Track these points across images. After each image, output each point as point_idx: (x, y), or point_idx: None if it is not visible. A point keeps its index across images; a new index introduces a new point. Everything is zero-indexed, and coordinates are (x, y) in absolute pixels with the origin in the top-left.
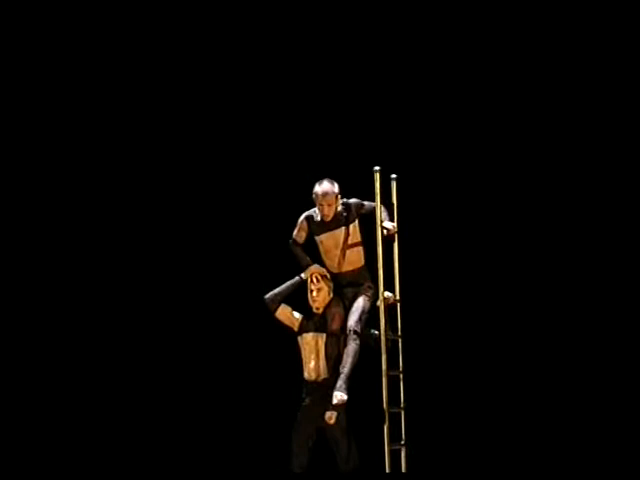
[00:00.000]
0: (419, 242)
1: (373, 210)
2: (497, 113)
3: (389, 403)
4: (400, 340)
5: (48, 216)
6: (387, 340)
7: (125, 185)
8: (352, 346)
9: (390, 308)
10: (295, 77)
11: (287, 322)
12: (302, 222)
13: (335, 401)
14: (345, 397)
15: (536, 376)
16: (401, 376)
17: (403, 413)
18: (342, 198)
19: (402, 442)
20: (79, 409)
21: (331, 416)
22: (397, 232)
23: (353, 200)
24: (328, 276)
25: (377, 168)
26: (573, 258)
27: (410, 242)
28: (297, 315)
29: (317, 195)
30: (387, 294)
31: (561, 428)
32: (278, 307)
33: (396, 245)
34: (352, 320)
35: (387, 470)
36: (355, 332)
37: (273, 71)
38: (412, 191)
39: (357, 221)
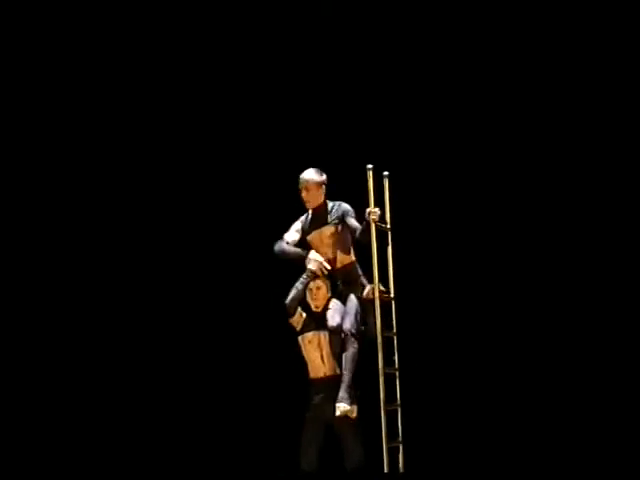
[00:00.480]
0: (412, 239)
1: (355, 231)
2: (488, 110)
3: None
4: (395, 337)
5: (47, 218)
6: (383, 337)
7: (126, 187)
8: (350, 351)
9: (383, 304)
10: (287, 76)
11: (294, 323)
12: (296, 224)
13: (338, 413)
14: (348, 408)
15: (531, 371)
16: (397, 373)
17: (400, 410)
18: (336, 201)
19: (399, 439)
20: (88, 411)
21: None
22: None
23: (345, 206)
24: (328, 267)
25: (370, 166)
26: (566, 252)
27: (403, 239)
28: (302, 315)
29: (299, 181)
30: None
31: (557, 423)
32: (296, 311)
33: (390, 242)
34: (348, 322)
35: (385, 469)
36: (352, 334)
37: (263, 70)
38: (404, 188)
39: (344, 225)
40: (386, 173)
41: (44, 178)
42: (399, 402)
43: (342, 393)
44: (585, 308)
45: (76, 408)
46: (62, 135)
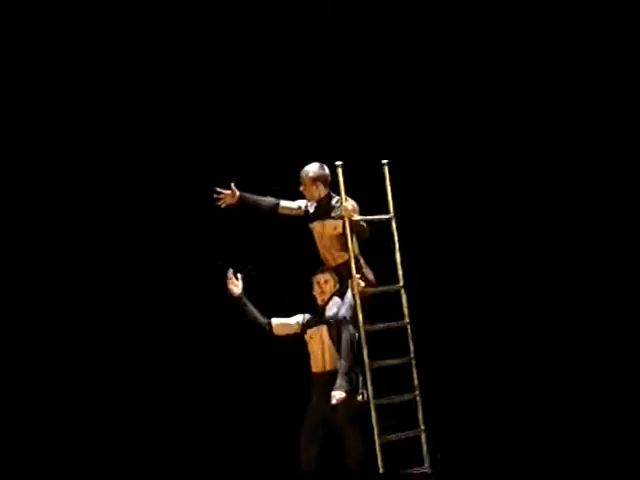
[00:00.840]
0: (413, 227)
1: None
2: (491, 96)
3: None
4: (409, 326)
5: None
6: (366, 331)
7: (127, 186)
8: (346, 338)
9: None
10: (291, 71)
11: (289, 332)
12: (301, 201)
13: (334, 401)
14: (343, 395)
15: (538, 364)
16: (413, 362)
17: (419, 399)
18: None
19: (422, 428)
20: (88, 413)
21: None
22: (350, 217)
23: (350, 202)
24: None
25: (339, 163)
26: (571, 242)
27: (404, 227)
28: (292, 320)
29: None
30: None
31: (565, 415)
32: (270, 324)
33: (395, 231)
34: (343, 310)
35: (379, 464)
36: (347, 320)
37: (263, 65)
38: (405, 176)
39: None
40: (385, 161)
41: (40, 178)
42: (418, 391)
43: (339, 381)
44: (594, 292)
45: (75, 410)
46: (58, 135)
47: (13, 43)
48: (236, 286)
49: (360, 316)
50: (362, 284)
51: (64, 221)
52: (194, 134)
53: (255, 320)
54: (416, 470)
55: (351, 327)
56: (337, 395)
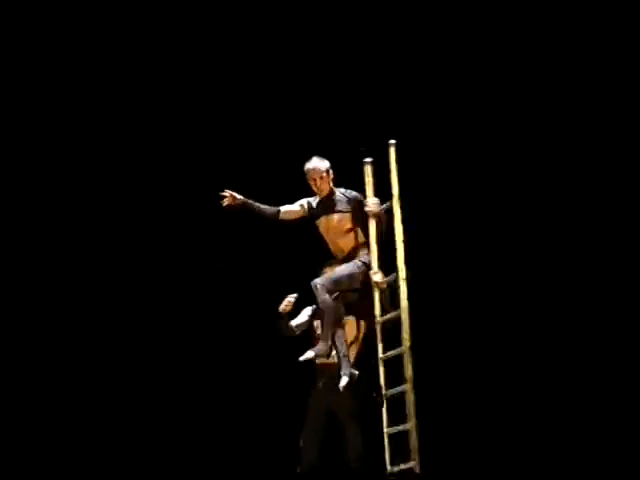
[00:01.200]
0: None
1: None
2: (501, 83)
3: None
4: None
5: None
6: (382, 324)
7: (129, 185)
8: (321, 306)
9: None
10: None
11: (304, 328)
12: (302, 200)
13: (301, 358)
14: (311, 355)
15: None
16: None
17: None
18: (347, 189)
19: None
20: (87, 413)
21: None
22: (378, 211)
23: (355, 193)
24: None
25: (369, 159)
26: (583, 234)
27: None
28: (304, 316)
29: (307, 171)
30: (378, 278)
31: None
32: (292, 329)
33: (398, 217)
34: (320, 279)
35: (387, 460)
36: (316, 286)
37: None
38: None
39: (354, 212)
40: (393, 141)
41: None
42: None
43: (316, 344)
44: (606, 299)
45: (75, 410)
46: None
47: (13, 44)
48: (288, 308)
49: (377, 310)
50: (379, 279)
51: (67, 223)
52: (193, 133)
53: (286, 332)
54: (403, 466)
55: (324, 295)
56: (307, 354)
